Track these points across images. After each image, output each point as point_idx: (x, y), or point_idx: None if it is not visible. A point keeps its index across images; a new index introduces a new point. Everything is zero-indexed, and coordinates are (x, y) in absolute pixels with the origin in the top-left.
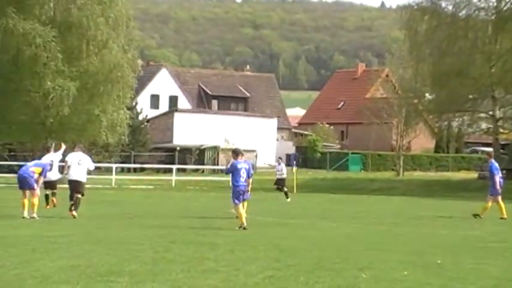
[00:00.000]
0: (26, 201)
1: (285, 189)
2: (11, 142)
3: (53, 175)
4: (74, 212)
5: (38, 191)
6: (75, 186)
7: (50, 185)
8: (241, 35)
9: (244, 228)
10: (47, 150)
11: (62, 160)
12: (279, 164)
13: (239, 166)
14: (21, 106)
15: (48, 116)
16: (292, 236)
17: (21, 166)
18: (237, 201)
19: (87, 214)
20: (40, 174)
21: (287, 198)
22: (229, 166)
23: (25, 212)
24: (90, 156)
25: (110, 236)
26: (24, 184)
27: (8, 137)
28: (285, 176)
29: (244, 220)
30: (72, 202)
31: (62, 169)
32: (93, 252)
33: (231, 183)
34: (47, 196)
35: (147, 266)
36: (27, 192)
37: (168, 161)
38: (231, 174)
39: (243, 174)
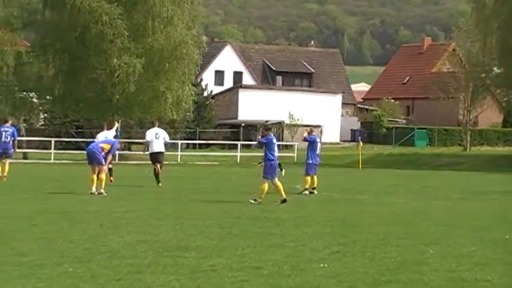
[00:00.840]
0: (94, 176)
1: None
2: (78, 119)
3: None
4: (160, 184)
5: (105, 167)
6: (156, 157)
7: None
8: (305, 10)
9: (285, 201)
10: (101, 128)
11: (115, 136)
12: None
13: (274, 140)
14: (88, 83)
15: (114, 93)
16: (358, 211)
17: (88, 143)
18: (270, 176)
19: (154, 190)
20: (109, 151)
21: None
22: (263, 139)
23: (93, 187)
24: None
25: (177, 211)
26: (93, 159)
27: (75, 114)
28: None
29: (283, 192)
30: (155, 174)
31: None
32: (160, 227)
33: (264, 158)
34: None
35: (214, 241)
36: (96, 167)
37: (233, 137)
38: (265, 149)
39: (276, 149)
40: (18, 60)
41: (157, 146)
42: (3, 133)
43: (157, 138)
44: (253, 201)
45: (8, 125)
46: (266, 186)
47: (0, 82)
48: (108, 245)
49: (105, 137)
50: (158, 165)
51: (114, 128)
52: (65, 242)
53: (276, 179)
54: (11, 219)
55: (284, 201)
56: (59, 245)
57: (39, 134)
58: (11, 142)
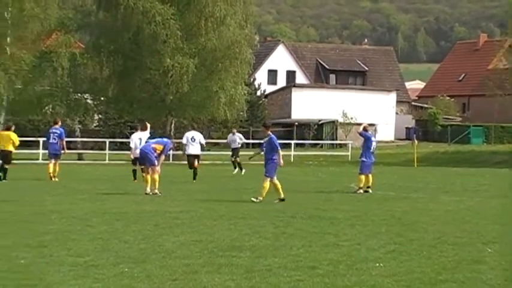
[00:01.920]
0: (148, 177)
1: (238, 160)
2: (132, 120)
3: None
4: (194, 180)
5: (158, 168)
6: (191, 160)
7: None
8: (358, 8)
9: (283, 199)
10: (135, 129)
11: (151, 137)
12: (233, 134)
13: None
14: (142, 84)
15: (168, 93)
16: (414, 210)
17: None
18: (274, 176)
19: (208, 189)
20: (162, 151)
21: (235, 169)
22: (276, 143)
23: (148, 188)
24: (209, 133)
25: (231, 211)
26: (145, 160)
27: (129, 114)
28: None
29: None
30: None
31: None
32: (215, 227)
33: (270, 158)
34: (134, 171)
35: (268, 240)
36: (149, 168)
37: (286, 136)
38: (277, 149)
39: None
40: (72, 62)
41: (193, 149)
42: (51, 134)
43: (193, 141)
44: (255, 200)
45: (57, 126)
46: (268, 184)
47: (55, 84)
48: (163, 245)
49: (139, 138)
50: (195, 163)
51: (148, 130)
52: (120, 242)
53: (275, 178)
54: (67, 219)
55: (282, 200)
56: (115, 245)
57: (94, 135)
58: (58, 143)
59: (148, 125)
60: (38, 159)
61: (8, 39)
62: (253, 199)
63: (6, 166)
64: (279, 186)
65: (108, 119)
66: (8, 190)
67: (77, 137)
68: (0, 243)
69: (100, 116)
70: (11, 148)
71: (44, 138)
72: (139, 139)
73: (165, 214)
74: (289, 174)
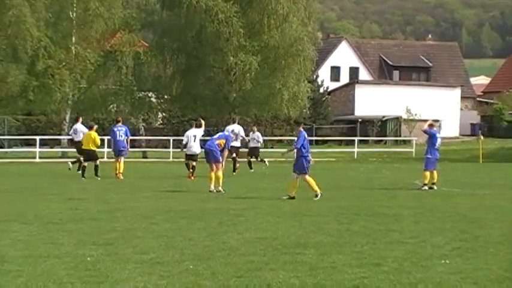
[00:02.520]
0: (212, 174)
1: (259, 159)
2: (195, 117)
3: (197, 148)
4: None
5: (222, 164)
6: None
7: (192, 157)
8: (422, 3)
9: (293, 197)
10: (190, 126)
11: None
12: (254, 132)
13: (306, 136)
14: (205, 82)
15: (231, 91)
16: (480, 206)
17: (205, 141)
18: (298, 171)
19: (270, 187)
20: (224, 146)
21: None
22: (299, 140)
23: (212, 185)
24: (272, 130)
25: (295, 208)
26: (210, 157)
27: (193, 112)
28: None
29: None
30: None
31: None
32: (279, 224)
33: (300, 155)
34: (187, 165)
35: (332, 237)
36: (213, 165)
37: (350, 133)
38: (301, 146)
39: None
40: (136, 61)
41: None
42: (117, 132)
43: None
44: (285, 198)
45: (120, 124)
46: (311, 179)
47: (120, 82)
48: (228, 243)
49: (194, 135)
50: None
51: (203, 127)
52: (184, 239)
53: (296, 176)
54: (132, 217)
55: (292, 198)
56: (179, 242)
57: (158, 133)
58: (125, 140)
59: (203, 122)
60: (103, 157)
61: (73, 38)
62: (284, 197)
63: (97, 163)
64: (295, 184)
65: (172, 117)
66: (74, 189)
67: (141, 135)
68: (68, 241)
69: (164, 114)
70: (92, 147)
71: (109, 137)
72: (193, 136)
73: (229, 211)
74: (353, 171)
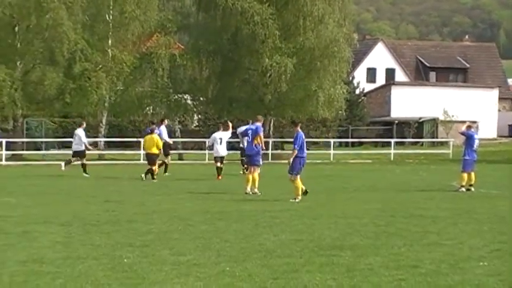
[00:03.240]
0: (249, 176)
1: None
2: (231, 119)
3: (223, 151)
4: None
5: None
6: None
7: (220, 159)
8: (459, 4)
9: (306, 192)
10: (218, 128)
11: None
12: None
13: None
14: (241, 84)
15: (266, 93)
16: None
17: (230, 143)
18: (295, 172)
19: (308, 189)
20: (260, 139)
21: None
22: (297, 140)
23: (248, 187)
24: (308, 132)
25: (330, 210)
26: (251, 160)
27: (228, 114)
28: None
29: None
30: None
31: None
32: (315, 226)
33: (297, 155)
34: (218, 168)
35: (369, 240)
36: (252, 167)
37: (386, 135)
38: (299, 147)
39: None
40: (172, 63)
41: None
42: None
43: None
44: (293, 201)
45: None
46: (299, 182)
47: (156, 85)
48: (264, 244)
49: (220, 137)
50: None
51: (230, 130)
52: (221, 241)
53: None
54: (169, 219)
55: (305, 192)
56: (216, 244)
57: (194, 135)
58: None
59: (230, 125)
60: (139, 159)
61: (110, 41)
62: (291, 200)
63: (154, 167)
64: (298, 184)
65: (208, 119)
66: (111, 191)
67: (177, 137)
68: (105, 242)
69: (199, 116)
70: (154, 151)
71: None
72: (219, 138)
73: (265, 213)
74: (389, 173)
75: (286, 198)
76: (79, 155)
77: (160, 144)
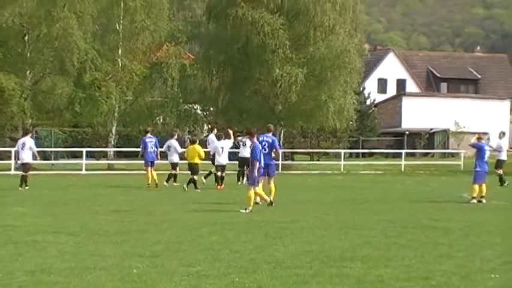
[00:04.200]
0: (272, 187)
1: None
2: (241, 130)
3: (223, 160)
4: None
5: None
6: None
7: (221, 168)
8: (471, 15)
9: (272, 203)
10: (218, 137)
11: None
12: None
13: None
14: (251, 94)
15: (276, 103)
16: None
17: (232, 153)
18: (254, 182)
19: (318, 199)
20: (276, 149)
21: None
22: (254, 151)
23: (257, 198)
24: (318, 142)
25: (341, 221)
26: (269, 170)
27: (239, 124)
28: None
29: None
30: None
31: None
32: (325, 237)
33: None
34: (216, 177)
35: (380, 251)
36: (269, 178)
37: (397, 146)
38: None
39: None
40: (182, 73)
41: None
42: (149, 143)
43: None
44: (244, 211)
45: (149, 135)
46: (252, 193)
47: (166, 95)
48: (274, 255)
49: (222, 146)
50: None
51: (232, 139)
52: (231, 252)
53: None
54: (178, 229)
55: (271, 203)
56: (225, 255)
57: (204, 145)
58: (155, 152)
59: (231, 133)
60: None
61: (120, 51)
62: (242, 211)
63: (195, 177)
64: (261, 193)
65: (218, 129)
66: (120, 201)
67: (186, 147)
68: (114, 253)
69: (209, 126)
70: (197, 160)
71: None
72: (221, 148)
73: (274, 224)
74: (400, 184)
75: (297, 209)
76: (26, 166)
77: (203, 154)
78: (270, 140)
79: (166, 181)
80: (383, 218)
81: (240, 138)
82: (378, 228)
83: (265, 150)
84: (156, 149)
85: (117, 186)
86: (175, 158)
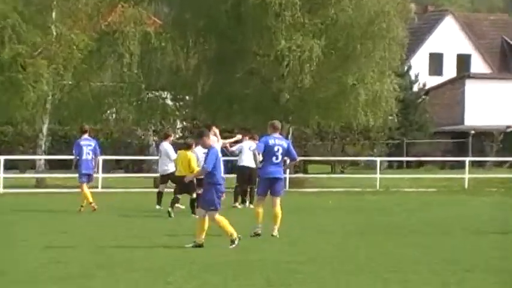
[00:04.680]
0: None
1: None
2: (230, 128)
3: None
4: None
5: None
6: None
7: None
8: None
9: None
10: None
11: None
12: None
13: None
14: (245, 76)
15: (282, 90)
16: None
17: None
18: (217, 206)
19: (342, 229)
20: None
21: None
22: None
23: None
24: (342, 146)
25: (377, 260)
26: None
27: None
28: None
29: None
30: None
31: None
32: (352, 285)
33: (209, 181)
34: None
35: None
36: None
37: (458, 151)
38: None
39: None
40: (145, 46)
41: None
42: (84, 148)
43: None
44: (233, 246)
45: (86, 136)
46: (222, 220)
47: (121, 77)
48: None
49: (204, 153)
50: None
51: (221, 141)
52: None
53: (203, 213)
54: (139, 274)
55: (200, 246)
56: None
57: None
58: (93, 161)
59: (217, 131)
60: (97, 187)
61: (54, 13)
62: (230, 247)
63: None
64: (203, 225)
65: (197, 127)
66: (56, 231)
67: (152, 154)
68: None
69: (184, 123)
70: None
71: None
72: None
73: (279, 264)
74: (463, 207)
75: (312, 243)
76: None
77: (194, 165)
78: (285, 145)
79: (171, 206)
80: (438, 256)
81: (234, 148)
82: (427, 269)
83: (276, 158)
84: (94, 157)
85: (50, 211)
86: (170, 167)
